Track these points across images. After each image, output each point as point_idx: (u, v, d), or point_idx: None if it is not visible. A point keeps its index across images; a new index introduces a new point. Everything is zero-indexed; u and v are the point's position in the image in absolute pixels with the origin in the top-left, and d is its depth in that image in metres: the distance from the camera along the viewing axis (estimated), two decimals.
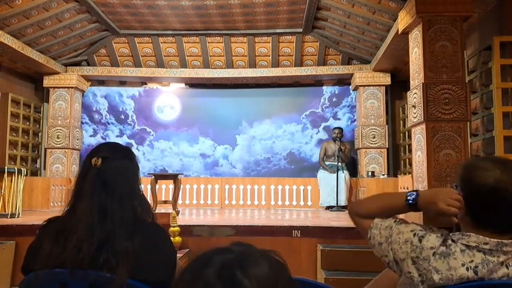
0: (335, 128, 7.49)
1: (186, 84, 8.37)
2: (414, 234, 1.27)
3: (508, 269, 1.19)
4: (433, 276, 1.18)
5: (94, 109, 8.36)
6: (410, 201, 1.33)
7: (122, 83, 8.39)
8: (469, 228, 1.27)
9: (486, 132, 4.84)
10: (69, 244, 1.30)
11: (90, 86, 8.23)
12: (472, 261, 1.19)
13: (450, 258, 1.20)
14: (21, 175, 5.37)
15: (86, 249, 1.28)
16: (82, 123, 8.20)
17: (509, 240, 1.21)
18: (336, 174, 6.95)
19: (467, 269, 1.18)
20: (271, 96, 8.24)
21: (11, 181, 5.24)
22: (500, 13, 4.86)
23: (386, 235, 1.32)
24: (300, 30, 7.00)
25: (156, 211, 4.70)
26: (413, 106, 4.68)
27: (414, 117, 4.64)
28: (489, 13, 4.97)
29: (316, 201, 7.36)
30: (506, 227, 1.23)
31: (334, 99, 8.13)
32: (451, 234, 1.27)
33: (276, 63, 7.69)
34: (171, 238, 2.87)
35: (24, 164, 7.48)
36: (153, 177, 6.07)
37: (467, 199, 1.28)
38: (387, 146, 7.41)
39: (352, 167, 7.58)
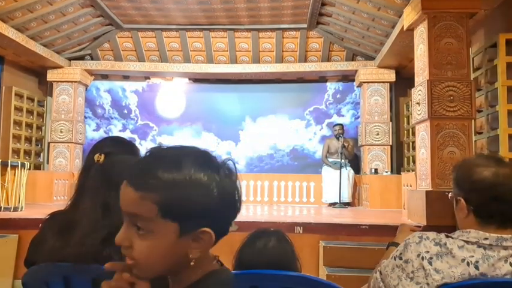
0: (335, 124, 7.45)
1: (189, 79, 8.36)
2: (394, 258, 1.29)
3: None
4: (434, 277, 1.18)
5: (97, 103, 8.36)
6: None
7: (125, 77, 8.38)
8: (474, 227, 1.27)
9: (491, 130, 4.81)
10: (72, 239, 1.30)
11: (93, 80, 8.23)
12: (473, 256, 1.19)
13: (449, 257, 1.20)
14: (24, 169, 5.38)
15: (89, 244, 1.28)
16: (85, 117, 8.20)
17: (510, 236, 1.21)
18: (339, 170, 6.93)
19: (467, 264, 1.18)
20: (275, 92, 8.22)
21: (15, 175, 5.24)
22: (507, 10, 4.81)
23: (379, 285, 1.33)
24: (305, 25, 6.96)
25: None
26: (417, 103, 4.64)
27: (418, 115, 4.61)
28: (495, 10, 4.92)
29: (319, 197, 7.34)
30: (509, 220, 1.24)
31: (338, 96, 8.10)
32: (450, 234, 1.27)
33: (280, 59, 7.66)
34: None
35: (27, 157, 7.50)
36: None
37: (468, 198, 1.29)
38: (391, 143, 7.38)
39: (355, 164, 7.56)
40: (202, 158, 0.77)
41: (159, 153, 0.78)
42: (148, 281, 0.76)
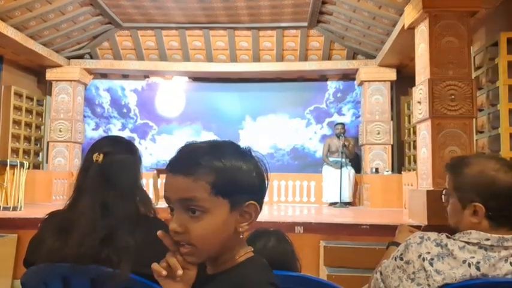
0: (337, 123, 7.44)
1: (189, 78, 8.33)
2: (395, 258, 1.28)
3: None
4: (435, 278, 1.18)
5: (96, 102, 8.34)
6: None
7: (125, 76, 8.35)
8: (485, 231, 1.25)
9: (492, 129, 4.80)
10: (71, 239, 1.30)
11: (92, 79, 8.20)
12: (474, 257, 1.19)
13: (450, 258, 1.20)
14: (23, 168, 5.36)
15: (87, 245, 1.28)
16: (84, 116, 8.18)
17: (511, 236, 1.21)
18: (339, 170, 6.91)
19: (469, 265, 1.18)
20: (275, 91, 8.19)
21: (14, 174, 5.23)
22: (508, 9, 4.80)
23: (380, 286, 1.32)
24: (305, 24, 6.93)
25: (158, 206, 4.67)
26: (418, 102, 4.62)
27: (419, 114, 4.59)
28: (497, 8, 4.90)
29: (320, 197, 7.32)
30: None
31: (338, 95, 8.08)
32: (451, 236, 1.27)
33: (280, 58, 7.63)
34: None
35: (26, 157, 7.47)
36: (155, 171, 6.05)
37: (487, 203, 1.27)
38: (392, 143, 7.36)
39: (356, 163, 7.53)
40: (235, 144, 0.92)
41: (196, 145, 0.89)
42: (196, 266, 0.84)
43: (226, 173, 0.83)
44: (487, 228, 1.26)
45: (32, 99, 7.74)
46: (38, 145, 7.97)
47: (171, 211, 0.86)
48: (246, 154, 0.90)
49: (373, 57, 7.37)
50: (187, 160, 0.84)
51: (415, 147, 6.10)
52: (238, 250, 0.88)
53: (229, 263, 0.87)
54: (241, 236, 0.87)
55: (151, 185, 5.90)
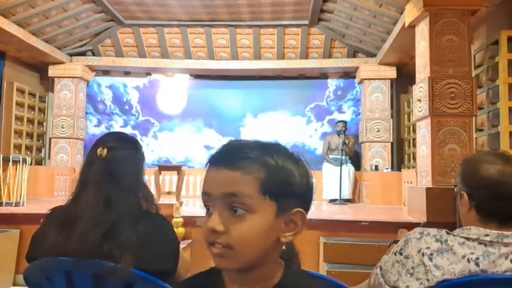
0: (339, 121, 7.47)
1: (190, 75, 8.35)
2: (395, 253, 1.29)
3: None
4: (434, 273, 1.18)
5: (98, 99, 8.37)
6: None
7: (127, 73, 8.37)
8: (475, 223, 1.27)
9: (492, 127, 4.81)
10: (74, 234, 1.31)
11: (94, 76, 8.23)
12: (473, 253, 1.19)
13: (449, 253, 1.20)
14: (26, 164, 5.39)
15: (90, 240, 1.29)
16: (86, 113, 8.21)
17: (511, 232, 1.21)
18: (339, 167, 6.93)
19: (468, 260, 1.18)
20: (276, 89, 8.21)
21: (16, 170, 5.25)
22: (509, 7, 4.80)
23: (379, 281, 1.33)
24: (306, 22, 6.95)
25: (160, 202, 4.70)
26: (418, 100, 4.64)
27: (419, 112, 4.61)
28: (497, 7, 4.91)
29: (320, 194, 7.35)
30: (510, 219, 1.24)
31: (339, 92, 8.10)
32: (451, 232, 1.28)
33: (281, 56, 7.65)
34: (175, 229, 2.88)
35: (29, 153, 7.51)
36: (157, 168, 6.06)
37: (472, 193, 1.29)
38: (391, 140, 7.38)
39: (356, 161, 7.56)
40: (282, 145, 0.82)
41: (242, 141, 0.80)
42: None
43: (278, 171, 0.74)
44: (475, 220, 1.27)
45: (34, 96, 7.76)
46: (40, 141, 8.00)
47: (207, 211, 0.76)
48: (297, 159, 0.80)
49: (373, 55, 7.39)
50: (234, 154, 0.75)
51: (414, 145, 6.12)
52: (275, 264, 0.79)
53: (270, 282, 0.77)
54: (284, 248, 0.78)
55: (153, 182, 5.92)
